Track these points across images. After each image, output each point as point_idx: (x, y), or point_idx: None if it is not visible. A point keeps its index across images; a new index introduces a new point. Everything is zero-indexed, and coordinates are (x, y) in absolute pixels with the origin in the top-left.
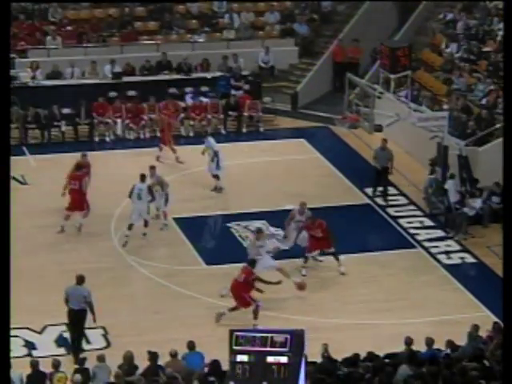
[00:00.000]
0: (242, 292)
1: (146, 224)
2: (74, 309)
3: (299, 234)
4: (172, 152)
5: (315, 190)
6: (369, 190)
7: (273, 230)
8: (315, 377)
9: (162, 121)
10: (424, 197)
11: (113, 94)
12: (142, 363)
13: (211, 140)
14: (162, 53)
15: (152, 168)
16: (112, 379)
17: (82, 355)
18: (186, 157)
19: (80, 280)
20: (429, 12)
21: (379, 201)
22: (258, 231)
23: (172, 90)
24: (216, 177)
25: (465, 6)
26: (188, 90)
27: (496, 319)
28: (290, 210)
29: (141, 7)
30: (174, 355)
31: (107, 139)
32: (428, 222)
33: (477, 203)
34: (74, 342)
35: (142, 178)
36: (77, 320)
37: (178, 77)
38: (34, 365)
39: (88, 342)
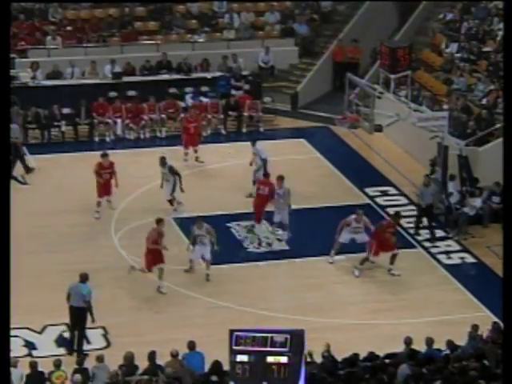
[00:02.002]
0: (264, 205)
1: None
2: (73, 306)
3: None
4: (192, 153)
5: (315, 190)
6: (369, 190)
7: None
8: (316, 376)
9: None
10: None
11: (113, 94)
12: (142, 363)
13: (259, 147)
14: (162, 53)
15: (199, 218)
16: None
17: (81, 357)
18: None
19: (82, 278)
20: (429, 12)
21: (379, 201)
22: (358, 214)
23: (172, 90)
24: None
25: (465, 6)
26: (188, 89)
27: (496, 319)
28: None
29: (141, 7)
30: (175, 355)
31: (107, 139)
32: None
33: (477, 203)
34: (72, 341)
35: (162, 161)
36: (77, 318)
37: (178, 77)
38: (34, 365)
39: (88, 342)
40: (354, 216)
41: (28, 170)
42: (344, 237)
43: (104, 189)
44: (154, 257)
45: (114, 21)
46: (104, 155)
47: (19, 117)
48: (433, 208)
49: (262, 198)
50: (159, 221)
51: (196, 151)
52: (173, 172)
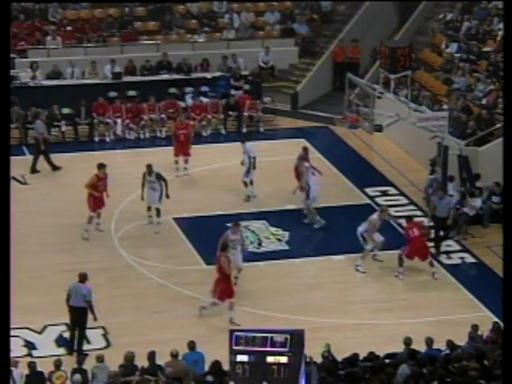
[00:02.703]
0: (424, 244)
1: (158, 213)
2: (73, 306)
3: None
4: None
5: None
6: (369, 190)
7: (273, 229)
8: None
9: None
10: (424, 197)
11: (113, 94)
12: (142, 363)
13: (249, 146)
14: (163, 53)
15: (236, 222)
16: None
17: (81, 357)
18: None
19: (81, 278)
20: (429, 12)
21: (379, 201)
22: (383, 210)
23: (172, 90)
24: (245, 184)
25: (465, 5)
26: (188, 89)
27: (496, 319)
28: (290, 210)
29: (141, 7)
30: (175, 355)
31: (107, 139)
32: (428, 222)
33: (477, 203)
34: (72, 341)
35: (149, 168)
36: (77, 318)
37: (178, 77)
38: (32, 366)
39: (88, 342)
40: (375, 216)
41: (34, 170)
42: (378, 237)
43: (99, 202)
44: (228, 287)
45: (113, 21)
46: (101, 166)
47: (43, 112)
48: (446, 222)
49: (419, 239)
50: (225, 247)
51: (186, 161)
52: (160, 178)
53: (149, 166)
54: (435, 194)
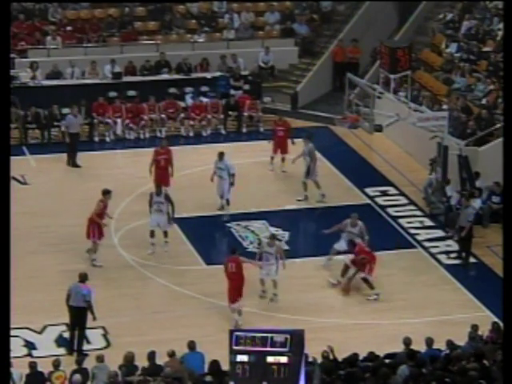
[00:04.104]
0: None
1: (165, 234)
2: (73, 306)
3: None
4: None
5: (315, 190)
6: (369, 190)
7: (273, 230)
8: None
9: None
10: (424, 197)
11: (113, 94)
12: (142, 363)
13: (228, 162)
14: (160, 52)
15: (272, 237)
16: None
17: (80, 357)
18: (186, 157)
19: (82, 278)
20: (429, 12)
21: (379, 201)
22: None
23: (172, 90)
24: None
25: (465, 6)
26: (188, 89)
27: (496, 319)
28: (290, 210)
29: (141, 7)
30: (171, 355)
31: (107, 139)
32: (428, 222)
33: (477, 203)
34: (72, 341)
35: (158, 189)
36: (77, 318)
37: (178, 77)
38: (33, 366)
39: (88, 341)
40: (349, 219)
41: (74, 164)
42: (341, 244)
43: (102, 230)
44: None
45: (113, 21)
46: (107, 192)
47: (74, 107)
48: (464, 229)
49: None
50: (234, 251)
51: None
52: (168, 200)
53: (158, 186)
54: (460, 202)
